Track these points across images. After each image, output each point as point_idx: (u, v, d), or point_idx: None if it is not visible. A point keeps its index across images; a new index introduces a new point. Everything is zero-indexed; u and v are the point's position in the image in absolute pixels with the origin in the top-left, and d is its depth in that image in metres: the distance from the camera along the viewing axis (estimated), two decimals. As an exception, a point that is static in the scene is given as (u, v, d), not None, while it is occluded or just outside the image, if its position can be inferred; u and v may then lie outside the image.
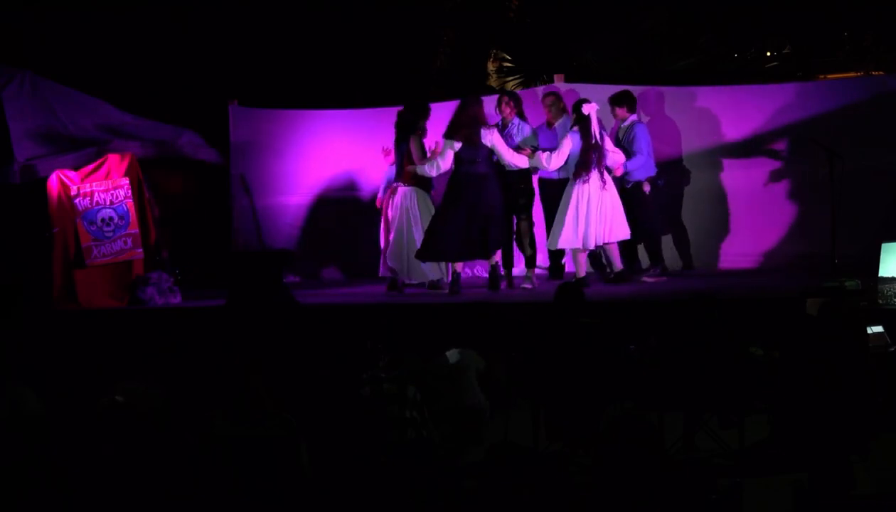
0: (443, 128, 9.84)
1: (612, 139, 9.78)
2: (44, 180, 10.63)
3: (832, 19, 13.87)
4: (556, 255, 10.37)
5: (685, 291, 7.93)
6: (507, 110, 9.93)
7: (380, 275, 10.39)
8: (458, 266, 9.80)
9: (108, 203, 10.93)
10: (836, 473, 5.76)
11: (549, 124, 10.30)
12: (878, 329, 6.91)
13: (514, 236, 10.02)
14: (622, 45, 13.22)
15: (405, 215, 9.97)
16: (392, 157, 10.38)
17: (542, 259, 10.48)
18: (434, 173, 9.77)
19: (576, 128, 9.56)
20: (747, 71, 13.32)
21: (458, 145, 9.52)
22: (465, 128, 9.53)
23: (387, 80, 13.79)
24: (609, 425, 4.92)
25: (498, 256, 9.92)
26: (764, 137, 10.37)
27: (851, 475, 5.81)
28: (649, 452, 4.29)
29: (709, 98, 10.63)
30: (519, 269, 10.18)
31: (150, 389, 5.90)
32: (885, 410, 6.70)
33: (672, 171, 10.50)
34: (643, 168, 9.92)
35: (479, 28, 14.32)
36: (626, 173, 9.82)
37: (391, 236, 10.04)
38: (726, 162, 10.50)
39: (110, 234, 10.94)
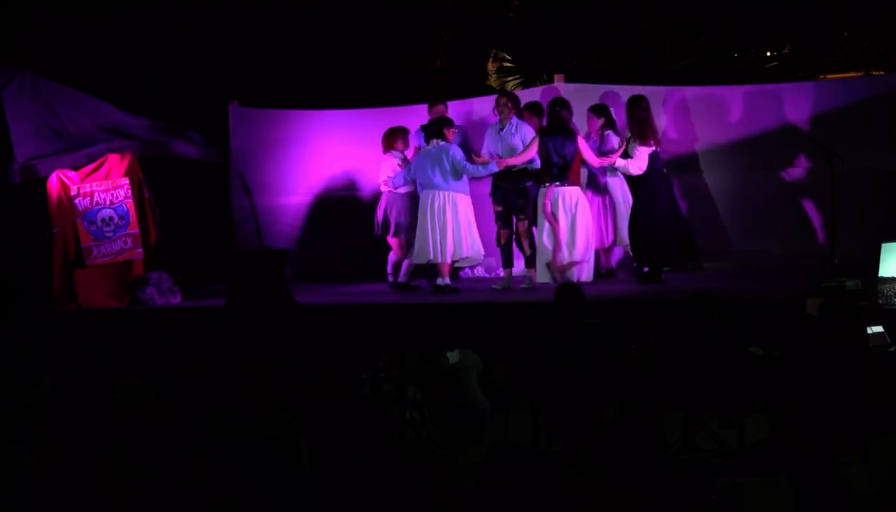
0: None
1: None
2: (44, 180, 10.63)
3: (832, 19, 13.86)
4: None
5: (685, 290, 7.92)
6: (507, 111, 9.92)
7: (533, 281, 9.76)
8: None
9: (108, 203, 10.93)
10: (835, 473, 5.76)
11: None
12: (878, 329, 6.92)
13: (514, 236, 10.01)
14: (622, 45, 13.24)
15: (585, 214, 9.63)
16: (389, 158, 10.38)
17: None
18: (639, 173, 9.49)
19: (610, 131, 9.81)
20: (747, 71, 13.32)
21: (654, 146, 9.47)
22: (653, 129, 9.54)
23: (387, 80, 13.80)
24: (609, 425, 4.92)
25: None
26: (764, 137, 10.36)
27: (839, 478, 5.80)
28: (649, 452, 4.30)
29: (709, 98, 10.62)
30: (518, 269, 10.17)
31: (150, 389, 5.90)
32: (885, 410, 6.70)
33: (672, 171, 10.49)
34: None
35: (479, 28, 14.33)
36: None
37: (561, 236, 9.44)
38: (726, 162, 10.49)
39: (110, 234, 10.94)
